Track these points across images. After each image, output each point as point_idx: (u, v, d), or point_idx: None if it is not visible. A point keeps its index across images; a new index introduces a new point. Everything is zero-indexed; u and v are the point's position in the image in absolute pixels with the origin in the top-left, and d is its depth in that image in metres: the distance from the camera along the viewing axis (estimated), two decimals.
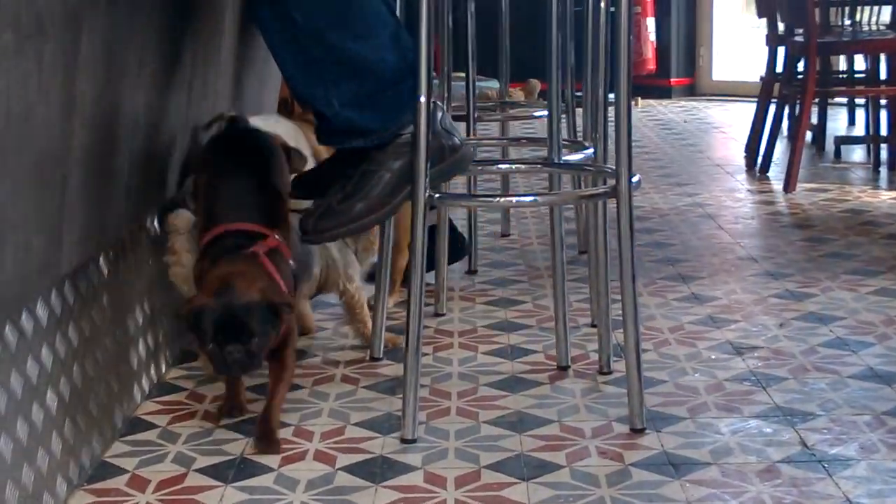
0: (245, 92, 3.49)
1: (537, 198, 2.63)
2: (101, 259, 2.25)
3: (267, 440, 2.22)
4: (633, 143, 2.30)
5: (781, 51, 5.48)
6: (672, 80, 8.58)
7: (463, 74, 3.68)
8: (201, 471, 2.13)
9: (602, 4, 2.57)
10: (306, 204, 2.40)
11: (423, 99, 2.19)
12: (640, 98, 8.17)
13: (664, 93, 8.52)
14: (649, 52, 8.34)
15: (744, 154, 5.70)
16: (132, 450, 2.22)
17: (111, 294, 2.30)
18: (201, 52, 2.78)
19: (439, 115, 2.29)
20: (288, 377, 2.33)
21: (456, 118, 3.21)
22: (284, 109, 5.64)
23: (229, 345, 2.15)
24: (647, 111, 7.84)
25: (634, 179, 2.29)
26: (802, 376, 2.57)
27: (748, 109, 6.14)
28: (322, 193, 2.31)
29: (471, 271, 3.59)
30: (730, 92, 8.36)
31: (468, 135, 3.45)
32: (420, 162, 2.21)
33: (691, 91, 8.68)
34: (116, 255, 2.35)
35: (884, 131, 5.44)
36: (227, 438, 2.27)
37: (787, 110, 5.54)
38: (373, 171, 2.26)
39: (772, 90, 5.58)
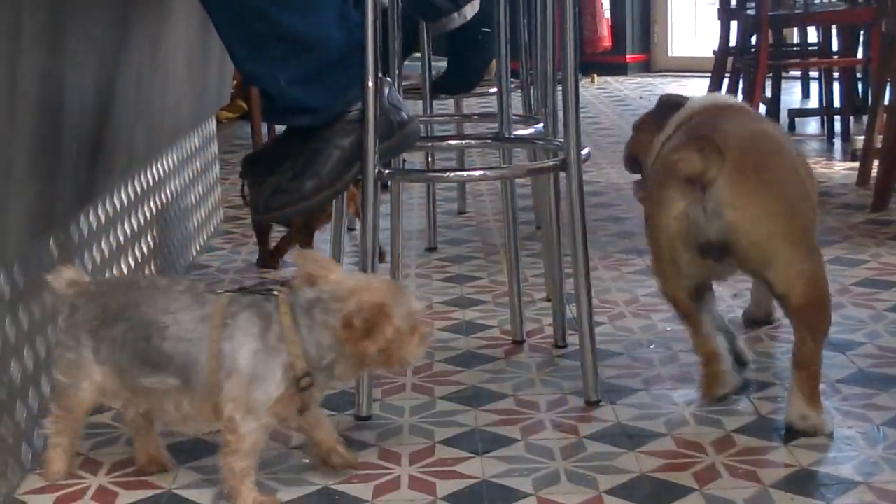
0: (204, 74, 3.47)
1: (487, 172, 2.62)
2: (52, 241, 2.23)
3: None
4: (590, 120, 2.31)
5: (734, 25, 5.49)
6: (628, 56, 8.59)
7: (419, 55, 3.68)
8: None
9: None
10: None
11: (371, 76, 2.18)
12: (595, 75, 8.18)
13: (620, 69, 8.53)
14: (604, 30, 8.36)
15: None
16: (86, 432, 2.19)
17: None
18: (151, 30, 2.76)
19: (386, 90, 2.28)
20: None
21: (412, 97, 3.22)
22: (242, 92, 5.64)
23: None
24: (602, 88, 7.85)
25: (584, 152, 2.29)
26: (758, 346, 2.58)
27: (703, 84, 6.15)
28: (271, 172, 2.30)
29: (429, 248, 3.59)
30: (685, 68, 8.38)
31: (424, 112, 3.45)
32: (370, 138, 2.20)
33: (647, 67, 8.69)
34: (67, 237, 2.33)
35: (837, 103, 5.46)
36: None
37: (741, 84, 5.56)
38: (322, 148, 2.24)
39: (725, 64, 5.60)
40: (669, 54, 8.64)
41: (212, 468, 2.03)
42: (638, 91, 7.62)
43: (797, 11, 5.47)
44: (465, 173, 2.60)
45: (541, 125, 2.76)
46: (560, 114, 2.46)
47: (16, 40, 1.88)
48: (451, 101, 4.63)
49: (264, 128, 5.75)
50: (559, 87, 2.37)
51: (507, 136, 2.67)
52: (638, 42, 8.66)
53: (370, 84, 2.18)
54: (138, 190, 2.93)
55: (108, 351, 1.92)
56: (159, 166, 3.18)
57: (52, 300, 2.04)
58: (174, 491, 1.96)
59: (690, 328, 2.26)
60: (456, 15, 4.21)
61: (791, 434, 2.08)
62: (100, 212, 2.57)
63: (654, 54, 8.71)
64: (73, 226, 2.38)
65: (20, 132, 1.95)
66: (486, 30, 4.36)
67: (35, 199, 2.06)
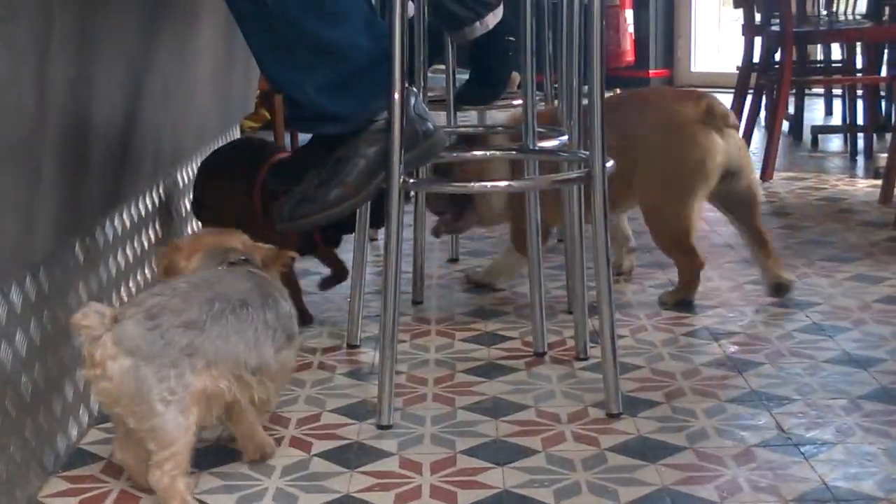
0: (229, 82, 3.49)
1: (512, 183, 2.62)
2: (77, 245, 2.24)
3: None
4: None
5: (758, 41, 5.49)
6: (650, 71, 8.59)
7: (443, 67, 3.69)
8: None
9: None
10: None
11: (397, 86, 2.19)
12: (618, 90, 8.18)
13: (643, 84, 8.52)
14: (627, 44, 8.36)
15: None
16: (108, 437, 2.21)
17: (87, 280, 2.29)
18: (179, 38, 2.77)
19: (412, 100, 2.28)
20: None
21: (436, 108, 3.22)
22: (265, 102, 5.66)
23: None
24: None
25: (608, 164, 2.29)
26: (779, 361, 2.57)
27: (726, 100, 6.14)
28: (296, 181, 2.31)
29: (451, 259, 3.61)
30: (708, 83, 8.37)
31: (448, 123, 3.45)
32: (395, 148, 2.21)
33: (669, 82, 8.69)
34: (93, 241, 2.34)
35: (860, 120, 5.45)
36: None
37: (763, 100, 5.56)
38: (348, 157, 2.25)
39: (748, 80, 5.60)
40: (692, 70, 8.65)
41: (234, 474, 2.04)
42: None
43: (821, 28, 5.47)
44: (489, 184, 2.59)
45: (564, 137, 2.76)
46: (581, 125, 2.48)
47: (45, 46, 1.90)
48: (474, 112, 4.64)
49: (287, 137, 5.78)
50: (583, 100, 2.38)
51: (531, 147, 2.68)
52: (661, 57, 8.67)
53: (396, 93, 2.19)
54: (163, 196, 2.95)
55: (210, 354, 1.88)
56: (184, 173, 3.20)
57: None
58: (196, 495, 1.97)
59: (694, 255, 3.03)
60: (478, 24, 4.23)
61: None
62: (125, 217, 2.59)
63: (676, 69, 8.71)
64: (98, 230, 2.39)
65: (49, 136, 1.97)
66: (510, 39, 4.36)
67: (62, 203, 2.08)
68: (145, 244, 2.73)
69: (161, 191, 2.93)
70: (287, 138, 5.79)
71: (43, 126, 1.94)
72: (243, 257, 2.10)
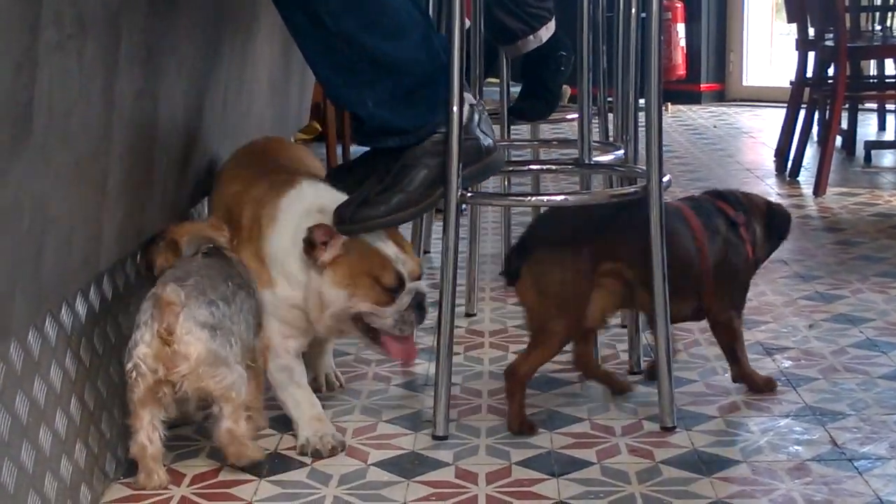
0: (285, 95, 3.53)
1: (568, 197, 2.64)
2: (139, 255, 2.28)
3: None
4: (664, 147, 2.32)
5: (812, 56, 5.48)
6: (702, 85, 8.57)
7: (496, 80, 3.71)
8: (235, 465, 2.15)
9: (633, 10, 2.58)
10: None
11: (455, 98, 2.22)
12: (669, 104, 8.17)
13: (694, 98, 8.52)
14: (679, 58, 8.34)
15: (773, 158, 5.70)
16: (168, 444, 2.24)
17: (147, 289, 2.33)
18: (238, 53, 2.81)
19: (476, 116, 2.31)
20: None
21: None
22: (317, 114, 5.70)
23: None
24: (677, 117, 7.83)
25: (665, 179, 2.31)
26: (832, 376, 2.57)
27: (778, 115, 6.14)
28: (357, 185, 2.33)
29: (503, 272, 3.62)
30: (760, 97, 8.35)
31: (502, 137, 3.47)
32: (453, 161, 2.23)
33: (721, 97, 8.67)
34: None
35: None
36: (261, 434, 2.29)
37: (816, 115, 5.54)
38: (411, 165, 2.27)
39: (802, 95, 5.58)
40: (744, 83, 8.62)
41: (292, 482, 2.07)
42: (712, 120, 7.60)
43: (875, 43, 5.45)
44: (545, 198, 2.61)
45: (620, 152, 2.78)
46: (641, 143, 2.49)
47: (114, 61, 1.94)
48: (526, 126, 4.65)
49: (339, 149, 5.81)
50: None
51: (587, 162, 2.69)
52: (712, 71, 8.64)
53: (455, 106, 2.22)
54: None
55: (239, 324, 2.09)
56: None
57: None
58: (255, 503, 2.00)
59: None
60: (531, 38, 4.24)
61: None
62: None
63: (728, 83, 8.69)
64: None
65: (115, 150, 2.01)
66: (563, 53, 4.38)
67: (126, 213, 2.12)
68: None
69: None
70: (339, 150, 5.83)
71: (110, 139, 1.98)
72: (214, 245, 2.22)
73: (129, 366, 1.99)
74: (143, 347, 1.98)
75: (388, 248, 2.23)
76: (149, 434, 2.04)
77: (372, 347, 2.30)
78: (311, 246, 2.20)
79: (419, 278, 2.25)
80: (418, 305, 2.23)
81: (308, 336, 2.31)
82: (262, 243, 2.27)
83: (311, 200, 2.27)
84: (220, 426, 2.06)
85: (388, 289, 2.20)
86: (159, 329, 1.97)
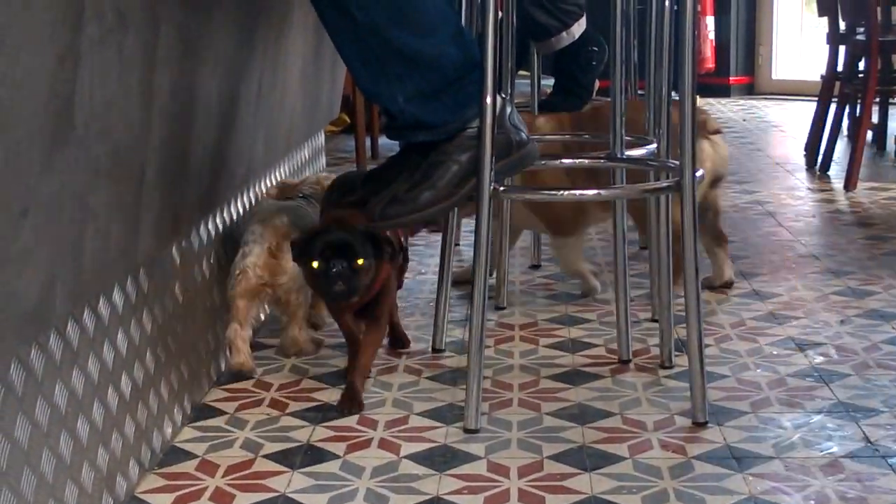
0: (317, 87, 3.54)
1: (601, 191, 2.64)
2: (174, 248, 2.30)
3: (350, 398, 2.41)
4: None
5: (842, 49, 5.46)
6: (731, 78, 8.56)
7: (527, 73, 3.72)
8: (269, 456, 2.17)
9: (666, 2, 2.58)
10: None
11: (489, 94, 2.22)
12: (698, 97, 8.15)
13: (723, 91, 8.51)
14: (708, 51, 8.33)
15: (803, 153, 5.69)
16: (201, 435, 2.27)
17: (183, 282, 2.35)
18: (272, 46, 2.82)
19: (508, 110, 2.31)
20: (378, 337, 2.57)
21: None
22: (346, 106, 5.72)
23: (334, 260, 2.37)
24: (706, 110, 7.81)
25: (698, 174, 2.31)
26: (865, 372, 2.57)
27: (808, 108, 6.12)
28: (387, 185, 2.34)
29: (533, 265, 3.63)
30: (789, 91, 8.33)
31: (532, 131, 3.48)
32: (486, 155, 2.24)
33: (750, 90, 8.65)
34: (188, 244, 2.39)
35: None
36: (294, 426, 2.31)
37: (847, 109, 5.52)
38: (440, 161, 2.28)
39: (832, 89, 5.56)
40: (773, 77, 8.59)
41: (325, 474, 2.08)
42: (741, 113, 7.58)
43: None
44: (577, 192, 2.61)
45: (652, 145, 2.78)
46: (669, 134, 2.48)
47: (152, 54, 1.95)
48: None
49: (368, 141, 5.83)
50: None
51: (619, 156, 2.69)
52: (742, 64, 8.63)
53: (488, 100, 2.22)
54: (253, 200, 3.00)
55: None
56: (274, 177, 3.25)
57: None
58: (289, 494, 2.01)
59: None
60: (564, 34, 4.25)
61: None
62: (217, 220, 2.64)
63: (757, 77, 8.67)
64: (193, 233, 2.44)
65: (152, 143, 2.02)
66: (594, 48, 4.38)
67: (163, 208, 2.13)
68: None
69: (252, 196, 2.98)
70: (368, 142, 5.85)
71: (148, 132, 1.99)
72: (304, 194, 2.87)
73: (237, 270, 2.56)
74: (253, 258, 2.57)
75: None
76: (241, 321, 2.56)
77: None
78: None
79: None
80: None
81: None
82: None
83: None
84: (287, 333, 2.71)
85: None
86: (269, 245, 2.57)
